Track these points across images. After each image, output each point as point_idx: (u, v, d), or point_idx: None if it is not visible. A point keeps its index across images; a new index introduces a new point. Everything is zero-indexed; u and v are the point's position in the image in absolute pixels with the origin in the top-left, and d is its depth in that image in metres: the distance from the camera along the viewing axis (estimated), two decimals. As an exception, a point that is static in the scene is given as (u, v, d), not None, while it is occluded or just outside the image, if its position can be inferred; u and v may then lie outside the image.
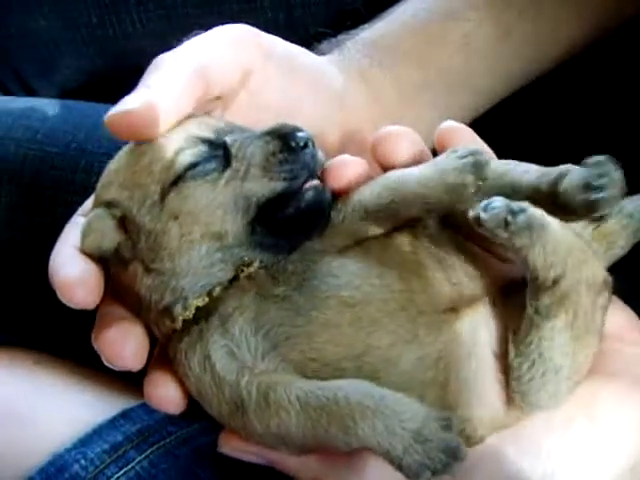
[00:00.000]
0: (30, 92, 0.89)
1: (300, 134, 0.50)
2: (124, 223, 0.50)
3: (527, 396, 0.49)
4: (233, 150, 0.50)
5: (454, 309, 0.49)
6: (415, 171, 0.50)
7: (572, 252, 0.47)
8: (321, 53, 0.66)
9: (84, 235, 0.50)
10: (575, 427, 0.50)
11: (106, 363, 0.50)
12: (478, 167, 0.48)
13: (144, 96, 0.50)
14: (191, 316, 0.49)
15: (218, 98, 0.55)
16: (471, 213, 0.47)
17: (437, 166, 0.49)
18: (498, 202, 0.46)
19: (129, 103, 0.50)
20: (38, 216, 0.71)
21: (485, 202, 0.46)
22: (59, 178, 0.72)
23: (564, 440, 0.50)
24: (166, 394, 0.50)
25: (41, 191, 0.71)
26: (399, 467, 0.45)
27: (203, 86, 0.52)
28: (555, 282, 0.47)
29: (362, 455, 0.48)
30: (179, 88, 0.51)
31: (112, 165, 0.52)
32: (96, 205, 0.52)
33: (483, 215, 0.46)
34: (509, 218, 0.46)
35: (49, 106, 0.77)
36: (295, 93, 0.58)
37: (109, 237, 0.50)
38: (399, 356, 0.48)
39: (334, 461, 0.49)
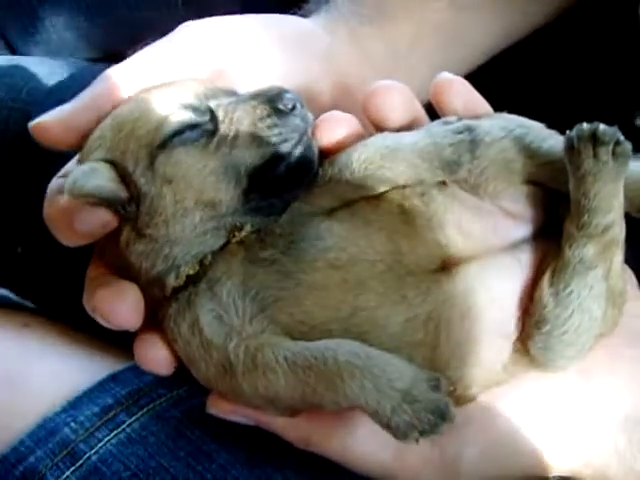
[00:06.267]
0: (14, 52, 0.87)
1: (288, 95, 0.49)
2: (125, 182, 0.49)
3: (552, 352, 0.48)
4: (219, 115, 0.49)
5: (446, 269, 0.48)
6: (408, 139, 0.49)
7: (620, 200, 0.47)
8: (309, 12, 0.65)
9: (84, 176, 0.48)
10: (567, 382, 0.50)
11: (102, 322, 0.50)
12: (474, 145, 0.48)
13: (57, 113, 0.53)
14: (182, 283, 0.49)
15: None
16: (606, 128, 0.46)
17: (432, 138, 0.49)
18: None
19: (44, 116, 0.53)
20: (24, 174, 0.70)
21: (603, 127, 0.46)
22: None
23: (556, 396, 0.50)
24: (156, 356, 0.50)
25: (26, 149, 0.70)
26: (387, 427, 0.45)
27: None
28: (605, 230, 0.47)
29: (352, 412, 0.48)
30: (98, 107, 0.52)
31: (95, 134, 0.51)
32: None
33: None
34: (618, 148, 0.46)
35: (33, 64, 0.76)
36: (282, 61, 0.57)
37: (109, 187, 0.48)
38: (387, 317, 0.47)
39: (323, 420, 0.49)
